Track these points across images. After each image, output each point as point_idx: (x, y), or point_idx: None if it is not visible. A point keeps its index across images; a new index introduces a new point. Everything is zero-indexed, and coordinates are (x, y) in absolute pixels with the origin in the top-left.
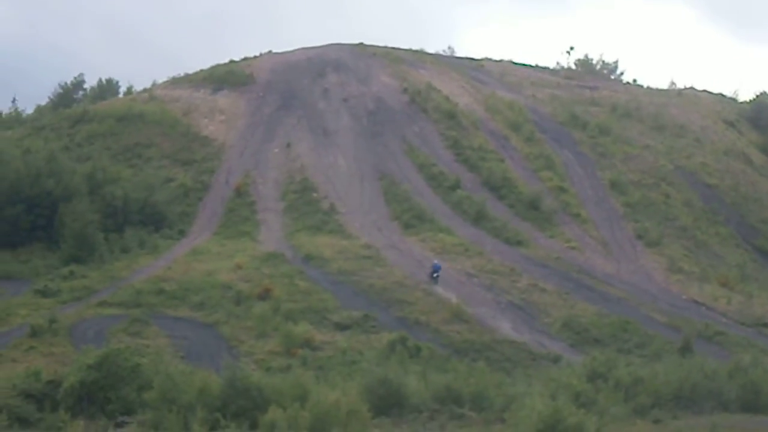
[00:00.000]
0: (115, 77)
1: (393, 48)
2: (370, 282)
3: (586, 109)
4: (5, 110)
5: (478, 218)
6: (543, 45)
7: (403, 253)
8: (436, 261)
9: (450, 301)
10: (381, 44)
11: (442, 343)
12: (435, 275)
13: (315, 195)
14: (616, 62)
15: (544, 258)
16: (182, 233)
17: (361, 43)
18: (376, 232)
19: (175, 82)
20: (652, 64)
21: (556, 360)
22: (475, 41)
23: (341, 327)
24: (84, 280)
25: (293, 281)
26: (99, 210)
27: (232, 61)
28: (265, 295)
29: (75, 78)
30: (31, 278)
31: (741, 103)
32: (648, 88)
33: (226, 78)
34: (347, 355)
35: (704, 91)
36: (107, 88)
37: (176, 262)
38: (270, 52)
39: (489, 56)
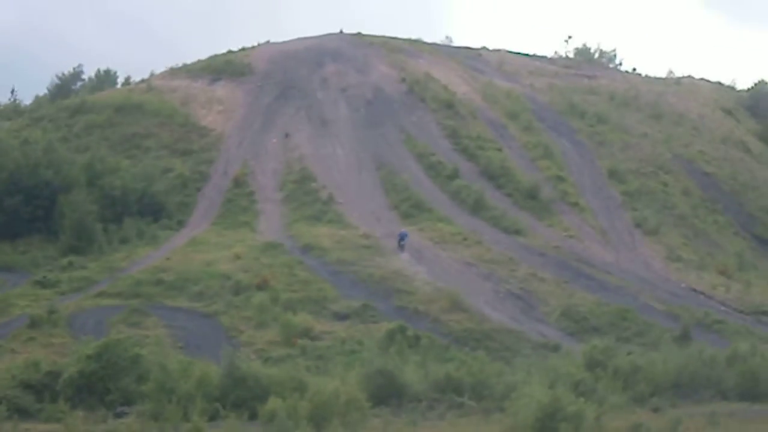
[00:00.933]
0: (113, 68)
1: (391, 38)
2: (369, 272)
3: (584, 97)
4: (3, 101)
5: (477, 207)
6: (541, 34)
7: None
8: (403, 229)
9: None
10: (379, 34)
11: (442, 333)
12: (402, 243)
13: (314, 185)
14: (614, 51)
15: (542, 247)
16: (181, 224)
17: (359, 33)
18: (375, 221)
19: (173, 72)
20: (650, 52)
21: (555, 349)
22: (473, 30)
23: (340, 317)
24: (83, 271)
25: (292, 271)
26: (97, 201)
27: (230, 51)
28: (264, 285)
29: (73, 69)
30: (31, 269)
31: (739, 91)
32: (646, 76)
33: (224, 68)
34: (346, 345)
35: (702, 79)
36: (105, 78)
37: (175, 252)
38: (268, 42)
39: (486, 45)
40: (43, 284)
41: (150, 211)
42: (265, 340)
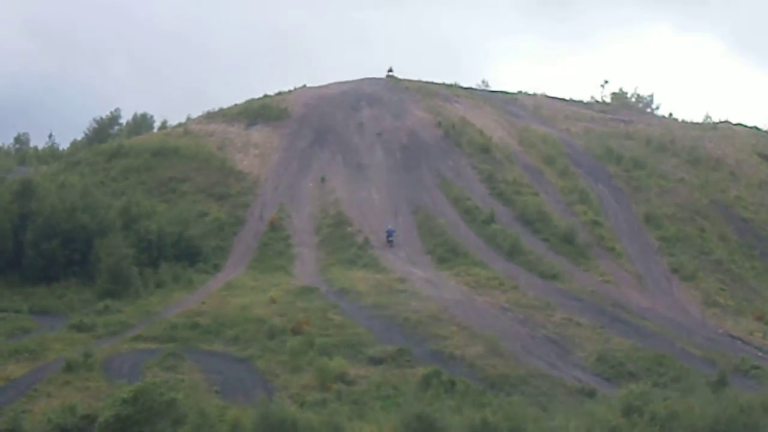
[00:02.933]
0: (150, 112)
1: (427, 82)
2: (405, 316)
3: (620, 142)
4: (41, 145)
5: (513, 252)
6: (577, 79)
7: (437, 287)
8: (390, 226)
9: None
10: (415, 78)
11: (477, 377)
12: (390, 239)
13: (349, 229)
14: (650, 96)
15: (578, 292)
16: (217, 267)
17: (395, 77)
18: (411, 265)
19: (209, 116)
20: (687, 97)
21: (592, 394)
22: (509, 75)
23: (376, 361)
24: (119, 315)
25: (327, 315)
26: (134, 245)
27: (266, 96)
28: (299, 329)
29: (110, 113)
30: (67, 313)
31: None
32: (683, 121)
33: (260, 112)
34: (382, 390)
35: (739, 124)
36: (142, 123)
37: (211, 296)
38: (304, 86)
39: (523, 90)
40: (79, 328)
41: (186, 255)
42: (301, 384)
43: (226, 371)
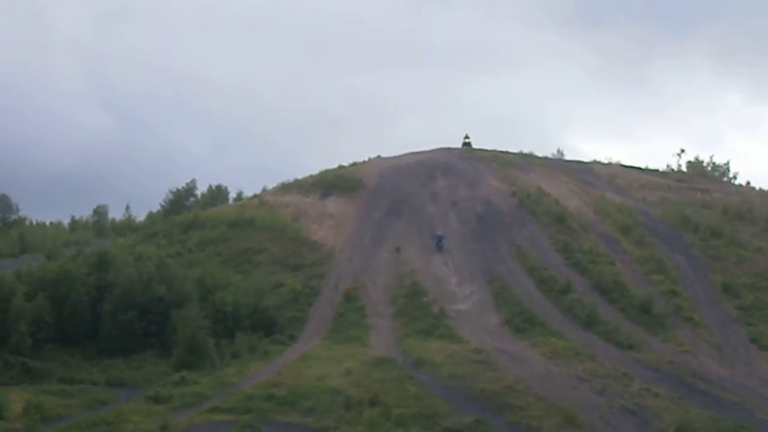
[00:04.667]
0: (224, 183)
1: (502, 151)
2: (482, 386)
3: (697, 211)
4: (119, 217)
5: (590, 322)
6: (651, 148)
7: (514, 358)
8: (439, 232)
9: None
10: (489, 147)
11: None
12: (439, 244)
13: (425, 299)
14: (727, 164)
15: (656, 362)
16: (292, 338)
17: (470, 145)
18: (487, 336)
19: (284, 187)
20: (764, 165)
21: None
22: (583, 144)
23: None
24: (195, 386)
25: (404, 386)
26: (209, 316)
27: (341, 166)
28: (375, 400)
29: (186, 184)
30: (143, 385)
31: None
32: (760, 189)
33: (335, 183)
34: None
35: None
36: (217, 194)
37: (287, 367)
38: (378, 156)
39: (598, 159)
40: (155, 400)
41: (261, 326)
42: None
43: None
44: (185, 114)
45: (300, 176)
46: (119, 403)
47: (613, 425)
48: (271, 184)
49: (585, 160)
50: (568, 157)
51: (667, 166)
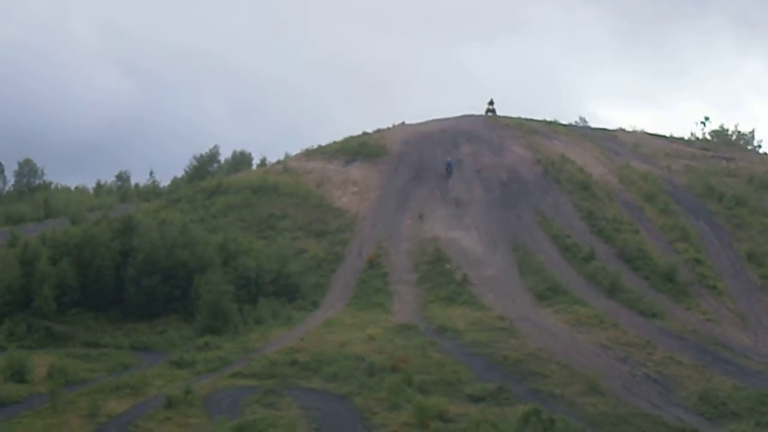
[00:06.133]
0: (248, 149)
1: (526, 119)
2: (504, 354)
3: (722, 180)
4: (142, 182)
5: (613, 290)
6: (677, 116)
7: (537, 325)
8: (449, 158)
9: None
10: (514, 115)
11: (577, 416)
12: (448, 170)
13: (448, 266)
14: (752, 132)
15: (680, 330)
16: (315, 305)
17: (495, 113)
18: (510, 303)
19: (308, 153)
20: None
21: None
22: (607, 112)
23: (475, 399)
24: (218, 351)
25: (426, 353)
26: (233, 281)
27: (364, 133)
28: (397, 367)
29: (209, 150)
30: (167, 349)
31: None
32: None
33: (358, 150)
34: (481, 428)
35: None
36: (241, 160)
37: (309, 333)
38: (403, 123)
39: (623, 127)
40: (179, 364)
41: (285, 291)
42: (399, 422)
43: (324, 408)
44: (206, 84)
45: (324, 143)
46: (143, 368)
47: (636, 393)
48: (294, 151)
49: (609, 128)
50: (591, 125)
51: (692, 134)
